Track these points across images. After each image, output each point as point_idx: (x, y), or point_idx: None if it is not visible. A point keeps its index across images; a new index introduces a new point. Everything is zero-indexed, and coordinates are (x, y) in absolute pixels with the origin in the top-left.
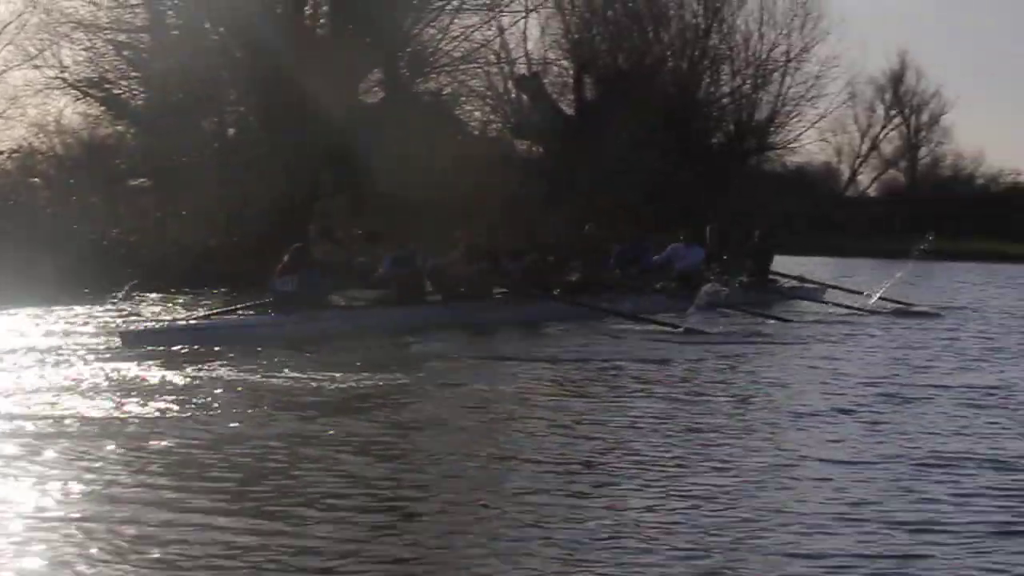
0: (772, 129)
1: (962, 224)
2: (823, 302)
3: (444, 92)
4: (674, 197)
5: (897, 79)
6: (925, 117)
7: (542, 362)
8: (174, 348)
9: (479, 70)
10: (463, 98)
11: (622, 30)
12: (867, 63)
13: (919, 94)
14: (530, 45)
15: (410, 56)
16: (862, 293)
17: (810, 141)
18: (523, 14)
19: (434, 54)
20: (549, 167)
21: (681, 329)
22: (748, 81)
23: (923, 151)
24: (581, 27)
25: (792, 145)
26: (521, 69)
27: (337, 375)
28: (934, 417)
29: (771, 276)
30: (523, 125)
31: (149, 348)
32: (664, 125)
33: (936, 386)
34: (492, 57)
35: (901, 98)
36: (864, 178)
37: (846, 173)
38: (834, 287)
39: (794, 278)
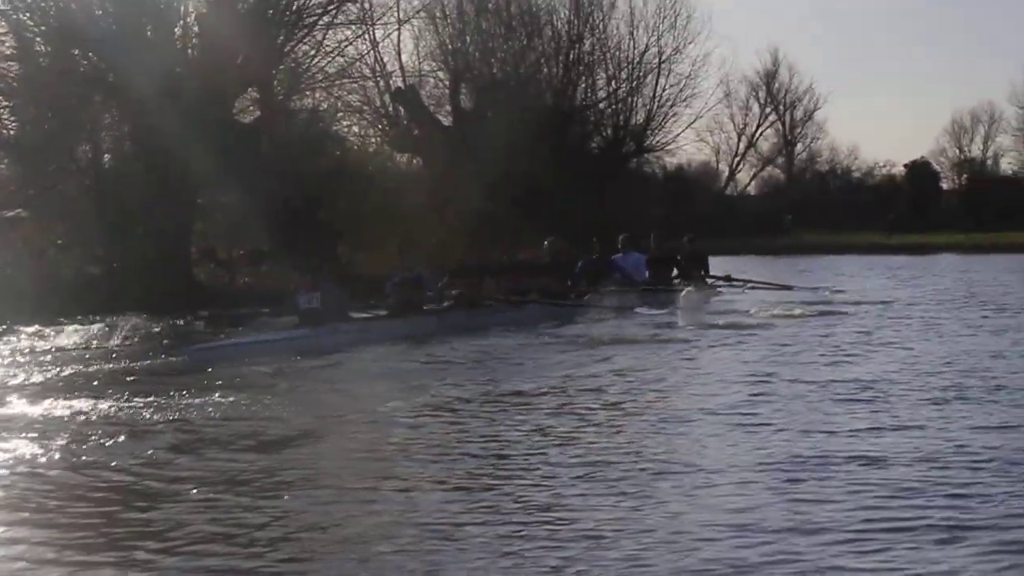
0: (649, 131)
1: (843, 217)
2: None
3: (321, 108)
4: (552, 203)
5: (770, 77)
6: (800, 113)
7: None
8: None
9: (355, 84)
10: (340, 113)
11: (495, 39)
12: (740, 62)
13: (792, 91)
14: (405, 58)
15: (285, 73)
16: (790, 288)
17: (688, 142)
18: (396, 27)
19: (308, 70)
20: (429, 178)
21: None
22: (623, 84)
23: (799, 147)
24: (454, 38)
25: (670, 146)
26: (397, 82)
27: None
28: (813, 415)
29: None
30: (401, 138)
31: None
32: (541, 132)
33: (821, 382)
34: (367, 71)
35: (775, 95)
36: (743, 176)
37: (725, 172)
38: (763, 284)
39: (721, 278)
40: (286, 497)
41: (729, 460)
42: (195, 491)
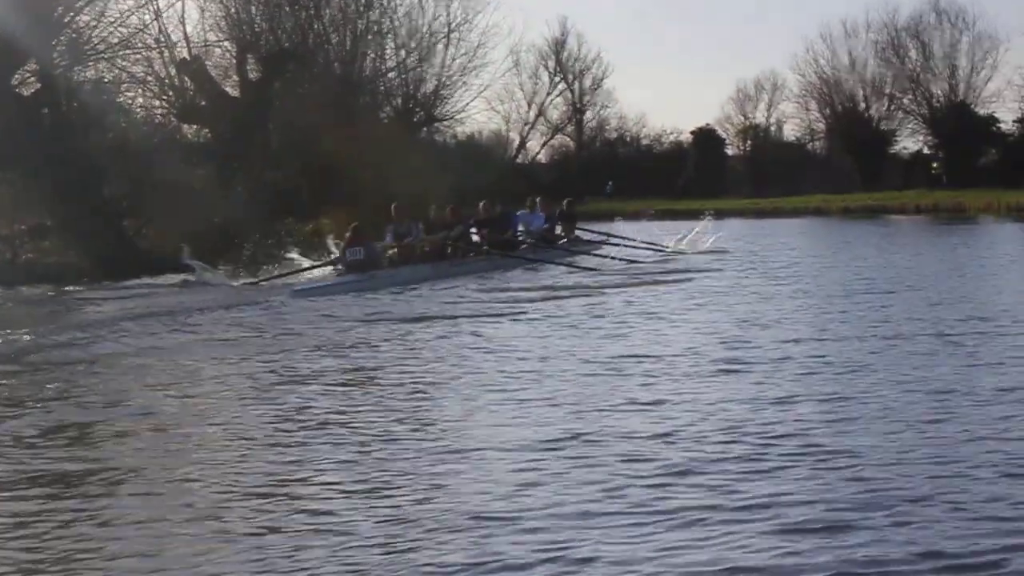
0: (439, 101)
1: (633, 183)
2: (626, 254)
3: (104, 79)
4: (343, 173)
5: (559, 46)
6: (588, 82)
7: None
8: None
9: (139, 55)
10: (124, 85)
11: (282, 9)
12: (530, 31)
13: (581, 60)
14: (190, 28)
15: (66, 44)
16: (663, 249)
17: (478, 111)
18: None
19: (90, 41)
20: (218, 149)
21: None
22: (412, 54)
23: (588, 115)
24: (240, 8)
25: (460, 115)
26: (182, 53)
27: None
28: (591, 390)
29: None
30: (188, 109)
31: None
32: (331, 102)
33: (604, 356)
34: (151, 42)
35: (564, 64)
36: (534, 144)
37: (516, 140)
38: (635, 244)
39: (600, 234)
40: None
41: (502, 438)
42: None
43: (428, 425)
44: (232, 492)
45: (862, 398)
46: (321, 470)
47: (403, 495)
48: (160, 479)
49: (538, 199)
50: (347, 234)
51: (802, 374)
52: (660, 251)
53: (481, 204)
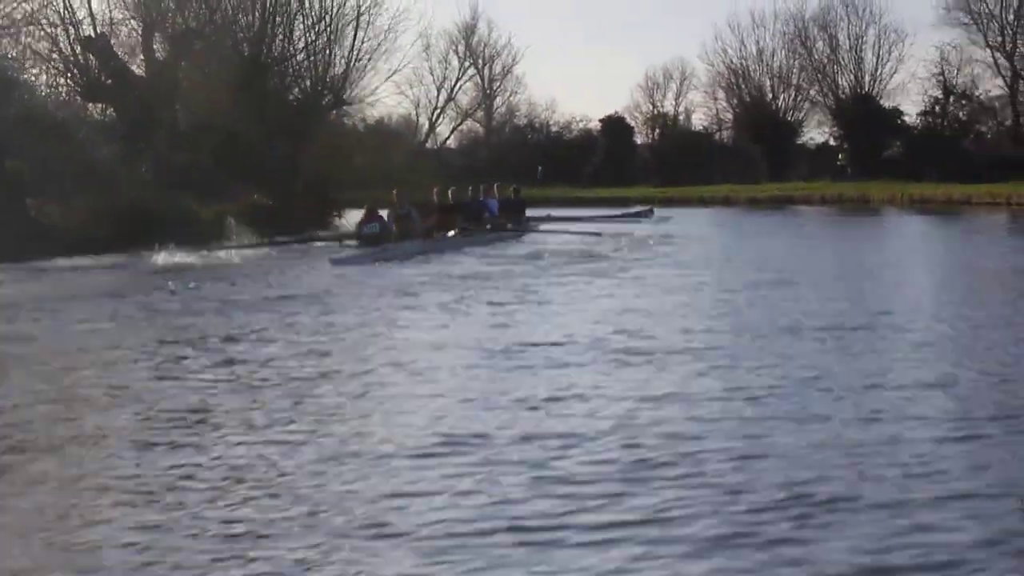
0: (348, 84)
1: (545, 170)
2: (567, 231)
3: (7, 56)
4: (251, 153)
5: (469, 30)
6: (498, 68)
7: None
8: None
9: (43, 32)
10: (28, 61)
11: None
12: (440, 15)
13: (491, 45)
14: (95, 5)
15: None
16: (598, 235)
17: (387, 94)
18: None
19: None
20: (124, 129)
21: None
22: (321, 36)
23: (498, 101)
24: None
25: (369, 99)
26: (88, 31)
27: None
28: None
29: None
30: (93, 87)
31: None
32: (238, 82)
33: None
34: (56, 18)
35: (474, 49)
36: (443, 129)
37: (425, 125)
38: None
39: (542, 219)
40: None
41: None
42: None
43: (303, 418)
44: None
45: (757, 394)
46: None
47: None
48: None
49: (495, 186)
50: (363, 211)
51: (702, 369)
52: (597, 235)
53: (450, 191)
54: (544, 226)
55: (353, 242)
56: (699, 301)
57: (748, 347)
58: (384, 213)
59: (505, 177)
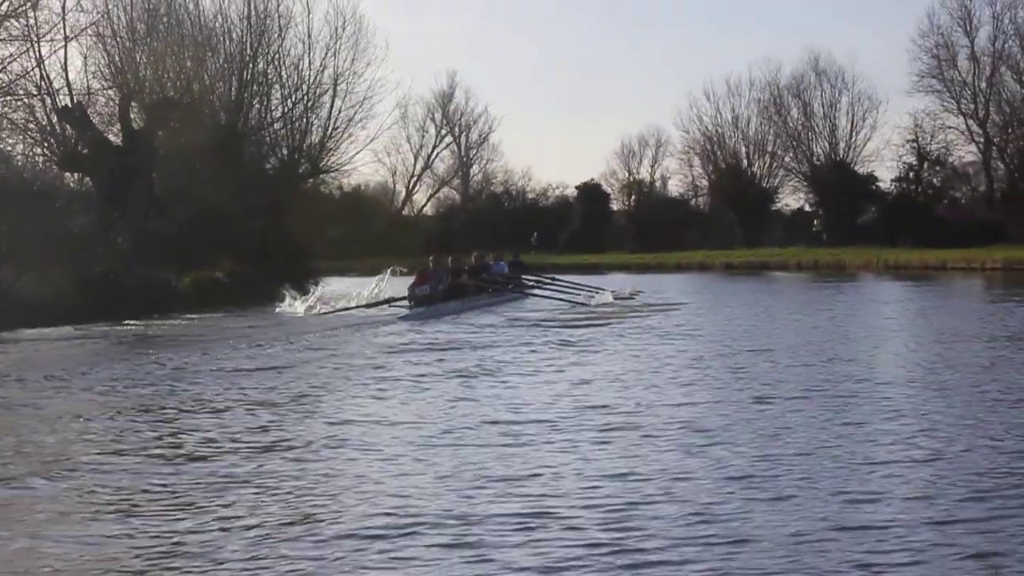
0: (325, 152)
1: (519, 238)
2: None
3: None
4: (228, 222)
5: (446, 99)
6: (475, 135)
7: None
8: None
9: (20, 102)
10: (5, 131)
11: (167, 57)
12: (418, 84)
13: (468, 113)
14: (73, 75)
15: None
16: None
17: (364, 163)
18: (62, 43)
19: None
20: (100, 198)
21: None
22: (298, 105)
23: (475, 168)
24: (125, 56)
25: (346, 167)
26: (65, 100)
27: None
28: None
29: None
30: (70, 157)
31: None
32: (215, 152)
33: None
34: (33, 88)
35: (451, 117)
36: (420, 196)
37: (402, 193)
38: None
39: (535, 280)
40: None
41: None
42: None
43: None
44: None
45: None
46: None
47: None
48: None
49: (497, 253)
50: (415, 276)
51: (672, 446)
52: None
53: (473, 255)
54: (540, 289)
55: (405, 303)
56: (677, 371)
57: (720, 420)
58: (429, 275)
59: (491, 244)
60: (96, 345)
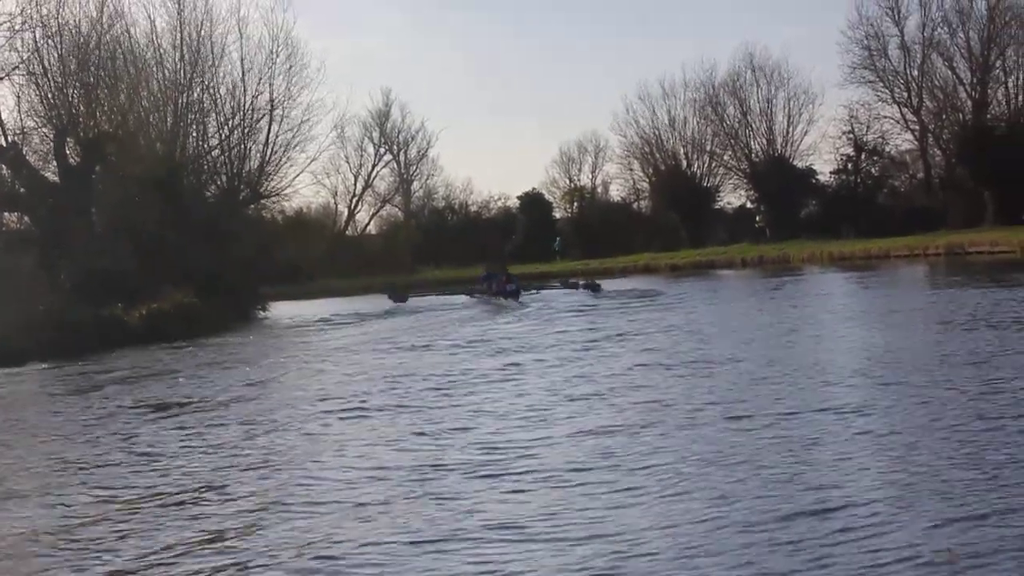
0: (265, 177)
1: (464, 250)
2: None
3: None
4: (170, 252)
5: (383, 117)
6: (413, 152)
7: None
8: None
9: None
10: None
11: (100, 91)
12: (354, 103)
13: (406, 130)
14: (5, 114)
15: None
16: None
17: (305, 185)
18: None
19: None
20: (40, 236)
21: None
22: (235, 131)
23: (415, 184)
24: (57, 92)
25: (286, 191)
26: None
27: None
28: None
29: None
30: (7, 197)
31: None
32: (154, 183)
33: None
34: None
35: (389, 135)
36: (363, 216)
37: (344, 213)
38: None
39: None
40: None
41: None
42: None
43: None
44: None
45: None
46: None
47: None
48: None
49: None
50: (503, 276)
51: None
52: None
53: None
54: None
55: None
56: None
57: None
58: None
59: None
60: (47, 384)
